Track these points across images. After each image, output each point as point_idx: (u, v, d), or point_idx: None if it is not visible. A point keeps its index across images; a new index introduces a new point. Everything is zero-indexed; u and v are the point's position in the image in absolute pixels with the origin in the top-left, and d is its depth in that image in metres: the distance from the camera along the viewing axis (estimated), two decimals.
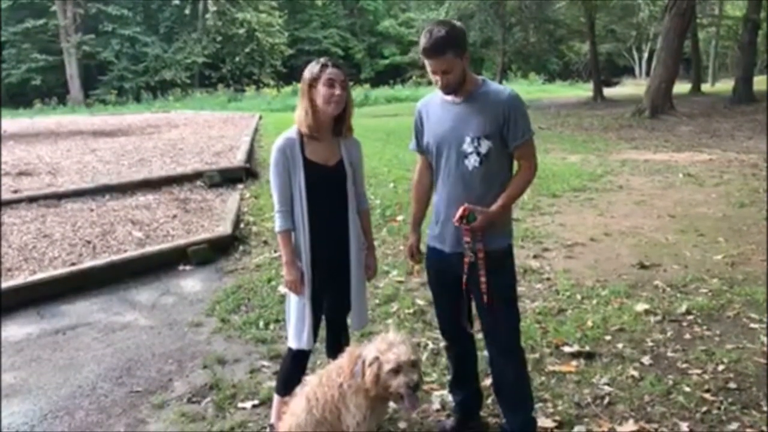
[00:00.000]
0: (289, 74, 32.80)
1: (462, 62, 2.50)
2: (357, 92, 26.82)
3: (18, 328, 4.40)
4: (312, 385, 2.52)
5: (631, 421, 3.01)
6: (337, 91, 2.64)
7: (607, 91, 25.85)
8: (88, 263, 5.41)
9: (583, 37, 28.62)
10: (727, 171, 9.28)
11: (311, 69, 2.68)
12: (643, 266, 5.20)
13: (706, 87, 28.49)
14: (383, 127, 14.93)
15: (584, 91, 28.57)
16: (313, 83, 2.65)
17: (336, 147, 2.79)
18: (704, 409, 3.09)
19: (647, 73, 33.74)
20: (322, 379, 2.49)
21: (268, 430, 2.91)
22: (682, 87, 23.67)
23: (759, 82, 21.91)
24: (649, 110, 16.89)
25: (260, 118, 17.16)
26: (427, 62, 2.50)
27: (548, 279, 4.99)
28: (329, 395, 2.43)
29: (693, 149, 11.63)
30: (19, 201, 7.23)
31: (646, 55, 41.41)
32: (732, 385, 3.30)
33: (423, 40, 2.46)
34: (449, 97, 2.61)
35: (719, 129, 14.43)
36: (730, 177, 8.80)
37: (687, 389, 3.26)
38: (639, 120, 16.40)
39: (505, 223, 2.65)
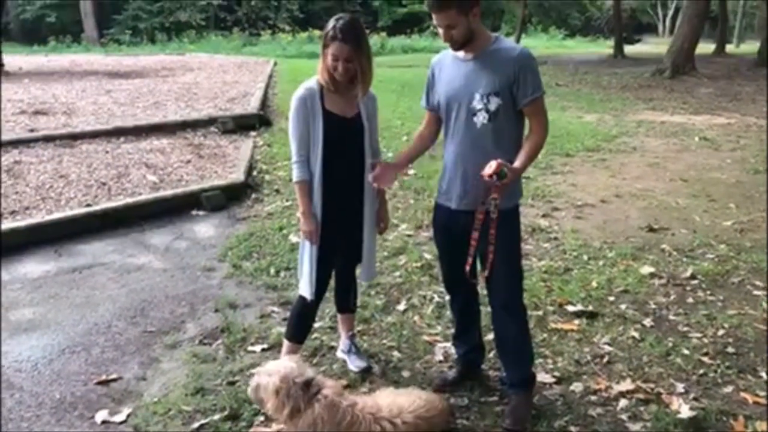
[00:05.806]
0: (306, 20, 32.10)
1: (468, 19, 2.46)
2: (373, 41, 26.29)
3: (36, 266, 4.52)
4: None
5: (628, 380, 3.09)
6: (339, 68, 2.66)
7: (628, 49, 25.22)
8: (103, 205, 5.51)
9: None
10: (744, 136, 9.15)
11: (326, 30, 2.68)
12: (651, 229, 5.23)
13: (730, 48, 27.77)
14: (398, 78, 14.72)
15: (605, 47, 27.92)
16: (324, 47, 2.69)
17: (353, 100, 2.81)
18: (701, 371, 3.16)
19: (671, 31, 32.82)
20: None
21: None
22: (705, 47, 23.08)
23: None
24: (670, 70, 16.52)
25: (275, 64, 16.99)
26: (433, 15, 2.49)
27: (556, 238, 5.04)
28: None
29: (711, 112, 11.45)
30: (36, 140, 7.29)
31: (671, 12, 40.30)
32: (730, 349, 3.36)
33: None
34: (461, 54, 2.59)
35: (740, 92, 14.15)
36: (747, 142, 8.69)
37: (686, 352, 3.33)
38: (659, 80, 16.08)
39: (516, 183, 2.67)
